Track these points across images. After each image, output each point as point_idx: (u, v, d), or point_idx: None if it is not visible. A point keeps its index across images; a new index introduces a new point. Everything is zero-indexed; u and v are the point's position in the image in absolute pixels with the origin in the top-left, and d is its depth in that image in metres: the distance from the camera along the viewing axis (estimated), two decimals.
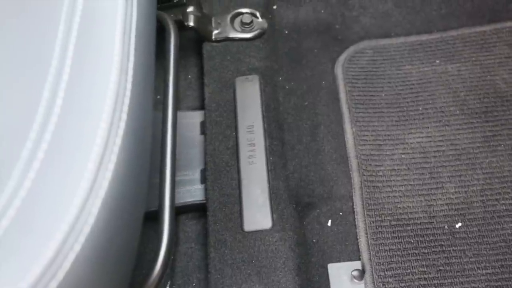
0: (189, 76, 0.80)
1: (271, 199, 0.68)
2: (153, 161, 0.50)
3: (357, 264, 0.66)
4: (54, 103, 0.37)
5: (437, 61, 0.81)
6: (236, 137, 0.72)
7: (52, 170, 0.35)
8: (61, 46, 0.39)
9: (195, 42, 0.82)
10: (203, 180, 0.70)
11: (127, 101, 0.39)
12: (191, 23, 0.79)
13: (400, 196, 0.70)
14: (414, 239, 0.67)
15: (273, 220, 0.67)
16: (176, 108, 0.64)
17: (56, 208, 0.33)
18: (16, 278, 0.31)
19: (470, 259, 0.65)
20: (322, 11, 0.88)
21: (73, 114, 0.37)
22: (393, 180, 0.71)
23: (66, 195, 0.34)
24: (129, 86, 0.40)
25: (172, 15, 0.76)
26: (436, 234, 0.67)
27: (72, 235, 0.33)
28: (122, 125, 0.38)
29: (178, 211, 0.67)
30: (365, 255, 0.66)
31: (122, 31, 0.41)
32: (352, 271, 0.65)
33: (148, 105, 0.46)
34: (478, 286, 0.63)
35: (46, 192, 0.34)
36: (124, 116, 0.38)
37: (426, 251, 0.66)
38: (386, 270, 0.65)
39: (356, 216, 0.69)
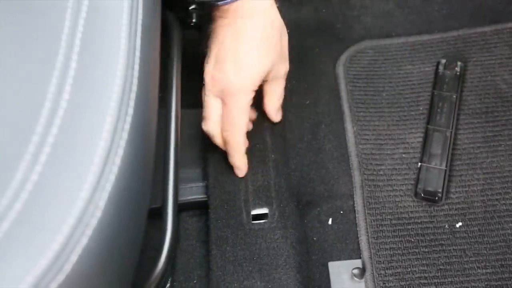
0: (191, 75, 0.80)
1: (272, 197, 0.68)
2: (155, 159, 0.50)
3: (357, 263, 0.66)
4: (61, 98, 0.37)
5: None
6: None
7: (58, 164, 0.35)
8: (67, 41, 0.39)
9: (197, 40, 0.82)
10: (205, 177, 0.71)
11: (133, 96, 0.39)
12: (194, 21, 0.80)
13: (401, 195, 0.70)
14: (414, 238, 0.67)
15: (274, 217, 0.67)
16: (179, 106, 0.64)
17: (63, 201, 0.33)
18: (23, 271, 0.31)
19: (470, 259, 0.65)
20: (324, 10, 0.88)
21: (80, 109, 0.37)
22: (394, 179, 0.72)
23: (73, 189, 0.34)
24: (135, 81, 0.40)
25: (175, 13, 0.76)
26: (437, 233, 0.68)
27: (79, 228, 0.33)
28: (129, 119, 0.38)
29: (180, 208, 0.67)
30: (365, 253, 0.66)
31: (128, 26, 0.42)
32: (353, 269, 0.65)
33: (153, 101, 0.46)
34: (478, 285, 0.64)
35: (53, 186, 0.34)
36: (131, 111, 0.38)
37: (426, 250, 0.66)
38: (387, 269, 0.65)
39: (356, 215, 0.69)
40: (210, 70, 0.64)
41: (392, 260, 0.66)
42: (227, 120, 0.65)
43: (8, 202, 0.33)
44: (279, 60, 0.67)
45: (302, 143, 0.76)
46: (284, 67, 0.68)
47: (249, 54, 0.63)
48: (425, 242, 0.67)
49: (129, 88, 0.39)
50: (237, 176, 0.69)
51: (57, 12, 0.41)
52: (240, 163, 0.69)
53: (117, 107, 0.37)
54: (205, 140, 0.73)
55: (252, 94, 0.65)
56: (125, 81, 0.39)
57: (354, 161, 0.73)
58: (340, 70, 0.82)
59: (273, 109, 0.72)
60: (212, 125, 0.67)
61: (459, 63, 0.79)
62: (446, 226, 0.68)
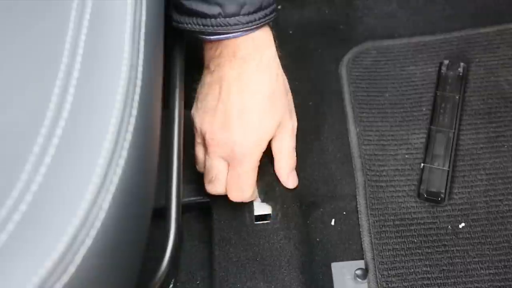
0: (194, 75, 0.80)
1: (275, 198, 0.68)
2: (159, 160, 0.50)
3: (360, 263, 0.66)
4: (65, 100, 0.37)
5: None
6: None
7: (63, 166, 0.35)
8: (71, 43, 0.40)
9: (200, 41, 0.82)
10: None
11: (137, 97, 0.39)
12: None
13: (404, 196, 0.70)
14: (417, 238, 0.67)
15: (277, 218, 0.67)
16: (182, 107, 0.65)
17: (67, 203, 0.34)
18: (28, 273, 0.31)
19: (473, 259, 0.65)
20: (327, 11, 0.88)
21: (84, 111, 0.37)
22: (397, 180, 0.72)
23: (77, 190, 0.34)
24: (139, 82, 0.40)
25: None
26: (440, 234, 0.68)
27: (84, 230, 0.33)
28: (133, 121, 0.38)
29: (183, 209, 0.67)
30: (368, 254, 0.66)
31: (131, 28, 0.42)
32: (356, 270, 0.65)
33: (157, 102, 0.46)
34: (481, 286, 0.64)
35: (57, 187, 0.34)
36: (134, 112, 0.39)
37: (429, 250, 0.66)
38: (390, 270, 0.65)
39: (359, 216, 0.69)
40: (215, 131, 0.61)
41: (395, 261, 0.66)
42: (236, 183, 0.63)
43: (13, 203, 0.33)
44: (286, 116, 0.64)
45: (305, 143, 0.76)
46: (291, 123, 0.65)
47: (257, 111, 0.60)
48: (428, 243, 0.67)
49: (133, 90, 0.39)
50: None
51: (62, 13, 0.41)
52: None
53: (121, 108, 0.38)
54: None
55: (260, 153, 0.62)
56: (129, 83, 0.39)
57: (357, 161, 0.73)
58: (343, 71, 0.82)
59: (283, 171, 0.68)
60: (221, 188, 0.64)
61: (462, 64, 0.79)
62: (449, 227, 0.68)
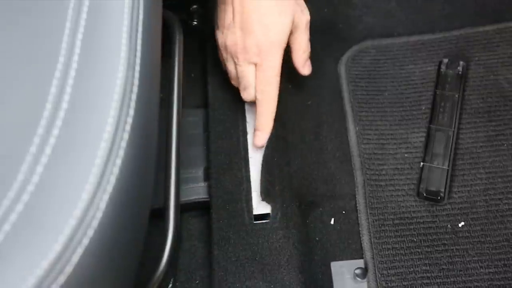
0: (193, 75, 0.80)
1: (275, 197, 0.68)
2: (157, 159, 0.50)
3: (360, 263, 0.66)
4: (62, 99, 0.37)
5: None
6: (239, 135, 0.72)
7: (60, 165, 0.35)
8: (68, 42, 0.40)
9: (199, 40, 0.82)
10: (207, 178, 0.71)
11: (134, 97, 0.39)
12: (195, 22, 0.80)
13: (403, 195, 0.70)
14: (417, 237, 0.67)
15: (277, 218, 0.67)
16: (180, 106, 0.65)
17: (64, 202, 0.33)
18: (25, 273, 0.31)
19: (473, 258, 0.65)
20: (326, 10, 0.88)
21: (81, 110, 0.37)
22: (396, 179, 0.72)
23: (74, 190, 0.34)
24: (136, 82, 0.40)
25: (176, 14, 0.76)
26: (439, 233, 0.67)
27: (81, 230, 0.33)
28: (130, 120, 0.38)
29: (182, 209, 0.67)
30: (368, 253, 0.66)
31: (129, 27, 0.42)
32: (355, 269, 0.65)
33: (154, 102, 0.46)
34: (481, 285, 0.64)
35: (54, 187, 0.34)
36: (132, 112, 0.38)
37: (429, 249, 0.66)
38: (389, 269, 0.65)
39: (359, 215, 0.69)
40: (239, 40, 0.67)
41: (394, 260, 0.66)
42: (263, 79, 0.68)
43: (9, 203, 0.33)
44: (297, 11, 0.69)
45: (304, 143, 0.76)
46: (304, 17, 0.70)
47: (271, 13, 0.66)
48: (428, 242, 0.67)
49: (130, 89, 0.39)
50: (237, 177, 0.69)
51: (58, 12, 0.41)
52: (268, 125, 0.71)
53: (118, 108, 0.37)
54: (207, 141, 0.73)
55: (283, 51, 0.68)
56: (126, 82, 0.39)
57: (356, 161, 0.73)
58: (342, 69, 0.81)
59: (300, 62, 0.73)
60: (254, 92, 0.70)
61: (461, 62, 0.79)
62: (449, 225, 0.68)
